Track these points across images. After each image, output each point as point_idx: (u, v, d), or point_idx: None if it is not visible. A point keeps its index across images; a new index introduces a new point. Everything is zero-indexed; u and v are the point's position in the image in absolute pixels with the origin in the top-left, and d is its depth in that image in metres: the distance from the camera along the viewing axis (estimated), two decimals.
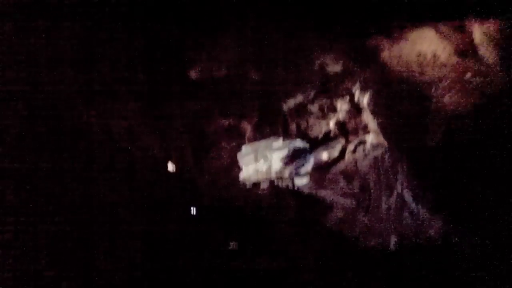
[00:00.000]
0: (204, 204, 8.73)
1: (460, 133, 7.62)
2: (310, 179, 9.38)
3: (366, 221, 8.91)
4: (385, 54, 8.36)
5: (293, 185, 9.35)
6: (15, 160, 6.67)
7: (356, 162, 9.36)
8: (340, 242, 8.78)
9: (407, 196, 8.33)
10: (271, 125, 9.34)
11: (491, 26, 7.64)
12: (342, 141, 9.55)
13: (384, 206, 8.80)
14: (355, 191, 9.21)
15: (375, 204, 8.95)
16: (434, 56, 8.05)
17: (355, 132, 9.54)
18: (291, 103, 9.35)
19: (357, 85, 9.13)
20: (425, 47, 8.10)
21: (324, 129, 9.70)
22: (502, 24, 7.53)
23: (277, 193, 9.23)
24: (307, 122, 9.56)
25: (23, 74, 6.62)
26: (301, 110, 9.48)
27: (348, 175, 9.35)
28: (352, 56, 8.85)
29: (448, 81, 7.88)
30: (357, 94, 9.19)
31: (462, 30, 7.93)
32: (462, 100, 7.69)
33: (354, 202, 9.14)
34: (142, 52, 8.10)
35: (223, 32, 8.63)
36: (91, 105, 7.76)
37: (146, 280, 7.57)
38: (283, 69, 9.07)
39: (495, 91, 7.51)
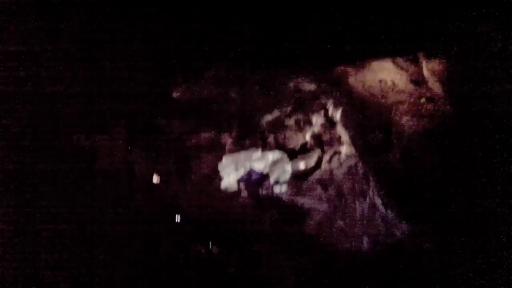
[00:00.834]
0: (188, 211, 9.12)
1: (417, 149, 8.27)
2: (289, 187, 9.90)
3: (342, 225, 9.34)
4: (351, 79, 9.11)
5: (273, 193, 9.86)
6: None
7: (331, 171, 9.89)
8: (318, 245, 9.15)
9: (378, 202, 8.76)
10: (250, 137, 9.93)
11: (436, 63, 8.56)
12: (318, 152, 10.13)
13: (358, 210, 9.24)
14: (331, 197, 9.68)
15: (350, 209, 9.39)
16: (393, 83, 8.85)
17: (330, 143, 10.12)
18: (268, 117, 9.97)
19: (331, 101, 9.78)
20: (384, 75, 8.92)
21: (300, 141, 10.31)
22: (445, 63, 8.45)
23: (257, 201, 9.70)
24: (285, 134, 10.18)
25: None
26: (278, 124, 10.11)
27: (324, 183, 9.84)
28: (324, 79, 9.53)
29: (406, 105, 8.65)
30: (331, 109, 9.82)
31: (415, 62, 8.85)
32: (417, 122, 8.44)
33: (330, 208, 9.59)
34: (129, 72, 8.59)
35: (206, 64, 9.24)
36: (80, 124, 8.19)
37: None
38: (261, 89, 9.68)
39: (443, 114, 8.30)
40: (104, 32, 7.92)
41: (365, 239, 8.80)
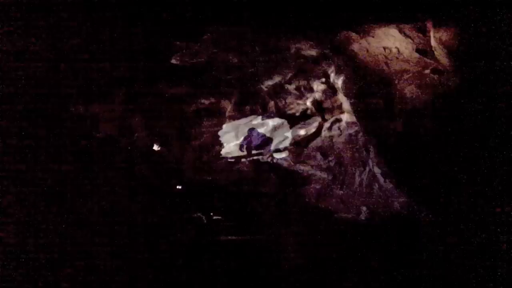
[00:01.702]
0: (189, 178, 9.16)
1: (419, 120, 8.18)
2: (289, 154, 9.92)
3: (341, 194, 9.45)
4: (355, 46, 8.80)
5: (273, 160, 9.90)
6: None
7: (332, 139, 9.88)
8: (317, 214, 9.28)
9: (377, 171, 8.82)
10: (250, 104, 9.80)
11: (444, 32, 8.22)
12: (318, 119, 10.07)
13: (357, 180, 9.32)
14: (331, 165, 9.73)
15: (349, 178, 9.47)
16: (398, 51, 8.58)
17: (331, 111, 10.06)
18: (269, 83, 9.79)
19: (333, 68, 9.54)
20: (390, 43, 8.62)
21: (301, 108, 10.21)
22: (454, 32, 8.13)
23: (257, 167, 9.73)
24: (285, 101, 10.06)
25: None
26: (279, 90, 9.95)
27: (324, 151, 9.87)
28: (326, 44, 9.24)
29: (410, 75, 8.43)
30: (332, 76, 9.63)
31: (422, 31, 8.52)
32: (421, 92, 8.27)
33: (330, 176, 9.66)
34: (128, 41, 8.32)
35: (205, 25, 8.89)
36: (77, 93, 8.00)
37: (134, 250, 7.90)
38: (261, 53, 9.39)
39: (449, 87, 8.13)
40: None
41: (363, 209, 8.92)
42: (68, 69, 7.63)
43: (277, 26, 8.85)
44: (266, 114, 9.81)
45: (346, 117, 9.78)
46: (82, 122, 8.12)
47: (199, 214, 8.92)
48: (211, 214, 9.10)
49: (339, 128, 9.88)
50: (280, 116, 9.90)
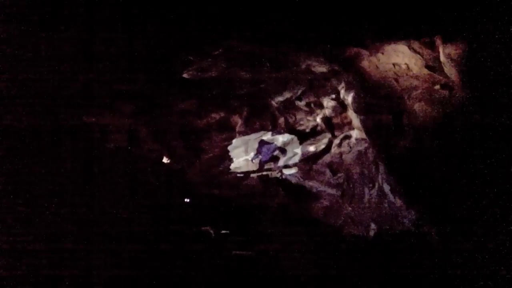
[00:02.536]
0: (197, 192, 9.19)
1: (428, 137, 8.13)
2: (298, 170, 9.92)
3: (349, 211, 9.38)
4: (365, 62, 8.85)
5: (282, 175, 9.90)
6: (15, 160, 6.78)
7: (341, 155, 9.86)
8: (326, 230, 9.22)
9: (387, 188, 8.74)
10: (260, 119, 9.87)
11: (453, 48, 8.21)
12: (328, 135, 10.08)
13: (366, 196, 9.24)
14: (340, 182, 9.69)
15: (358, 195, 9.40)
16: (408, 67, 8.60)
17: (341, 127, 10.07)
18: (279, 99, 9.86)
19: (342, 84, 9.59)
20: (399, 59, 8.66)
21: (311, 124, 10.25)
22: (463, 47, 8.11)
23: (266, 183, 9.74)
24: (295, 117, 10.11)
25: (23, 74, 6.82)
26: (289, 106, 10.02)
27: (333, 167, 9.84)
28: (336, 61, 9.29)
29: (419, 91, 8.43)
30: (342, 92, 9.66)
31: (431, 46, 8.54)
32: (431, 108, 8.24)
33: (339, 193, 9.60)
34: (141, 53, 8.47)
35: (217, 41, 9.03)
36: (90, 104, 8.16)
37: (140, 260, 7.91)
38: (272, 69, 9.48)
39: (458, 103, 8.08)
40: (115, 9, 7.77)
41: (372, 226, 8.82)
42: (80, 80, 7.80)
43: (287, 42, 8.95)
44: (276, 130, 9.85)
45: (355, 133, 9.76)
46: (92, 133, 8.26)
47: (207, 227, 8.93)
48: (219, 228, 9.10)
49: (348, 145, 9.86)
50: (290, 132, 9.95)
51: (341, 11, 8.48)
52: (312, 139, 10.00)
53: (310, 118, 10.13)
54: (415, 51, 8.60)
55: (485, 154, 7.69)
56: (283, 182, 9.84)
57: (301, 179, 9.90)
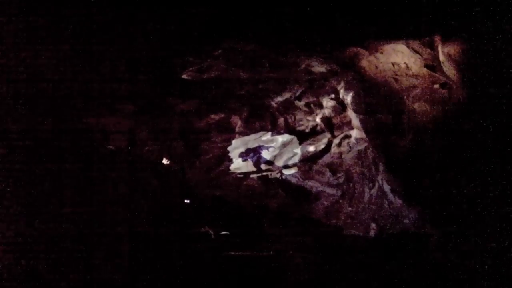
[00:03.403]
0: (197, 193, 9.18)
1: (428, 136, 8.13)
2: (298, 171, 9.92)
3: (349, 210, 9.37)
4: (364, 62, 8.85)
5: (282, 176, 9.90)
6: (15, 160, 6.77)
7: (341, 155, 9.86)
8: (326, 230, 9.21)
9: (387, 188, 8.74)
10: (260, 120, 9.86)
11: (452, 47, 8.20)
12: (328, 135, 10.07)
13: (366, 196, 9.24)
14: (340, 182, 9.69)
15: (358, 195, 9.40)
16: (407, 67, 8.60)
17: (340, 127, 10.06)
18: (279, 99, 9.85)
19: (342, 84, 9.58)
20: (398, 59, 8.66)
21: (311, 124, 10.24)
22: (462, 46, 8.10)
23: (266, 183, 9.73)
24: (295, 117, 10.10)
25: (23, 74, 6.83)
26: (289, 106, 10.01)
27: (333, 167, 9.85)
28: (335, 61, 9.28)
29: (419, 90, 8.43)
30: (341, 92, 9.65)
31: (430, 45, 8.53)
32: (430, 107, 8.25)
33: (339, 192, 9.61)
34: (141, 54, 8.47)
35: (217, 41, 9.02)
36: (91, 105, 8.17)
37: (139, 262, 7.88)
38: (271, 70, 9.47)
39: (458, 102, 8.08)
40: (115, 9, 7.77)
41: (372, 226, 8.83)
42: (81, 82, 7.80)
43: (287, 43, 8.94)
44: (276, 130, 9.84)
45: (355, 133, 9.76)
46: (93, 134, 8.26)
47: (207, 228, 8.92)
48: (219, 228, 9.08)
49: (348, 145, 9.86)
50: (290, 132, 9.94)
51: (340, 11, 8.46)
52: (311, 139, 10.00)
53: (309, 118, 10.12)
54: (414, 50, 8.57)
55: (485, 152, 7.69)
56: (283, 182, 9.84)
57: (301, 179, 9.91)
